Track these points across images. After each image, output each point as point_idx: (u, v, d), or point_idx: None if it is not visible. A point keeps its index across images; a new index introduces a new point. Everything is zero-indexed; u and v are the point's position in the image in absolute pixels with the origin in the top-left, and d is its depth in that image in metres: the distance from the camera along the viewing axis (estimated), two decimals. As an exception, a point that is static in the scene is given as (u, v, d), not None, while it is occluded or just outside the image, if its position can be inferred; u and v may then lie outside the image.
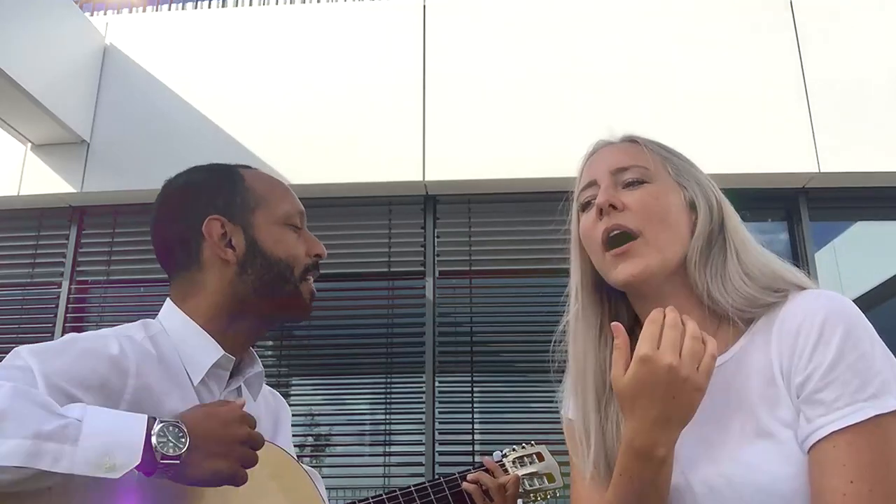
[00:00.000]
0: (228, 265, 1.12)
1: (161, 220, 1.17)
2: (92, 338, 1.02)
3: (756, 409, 0.89)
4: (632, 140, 1.05)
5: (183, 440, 0.89)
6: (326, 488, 1.24)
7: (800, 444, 0.86)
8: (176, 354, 1.09)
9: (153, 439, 0.87)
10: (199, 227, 1.12)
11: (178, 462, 0.88)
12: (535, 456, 1.46)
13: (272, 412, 1.27)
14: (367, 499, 1.29)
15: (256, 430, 0.97)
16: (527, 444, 1.50)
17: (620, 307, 1.04)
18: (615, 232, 0.97)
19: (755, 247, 0.99)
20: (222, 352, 1.11)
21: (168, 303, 1.15)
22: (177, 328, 1.11)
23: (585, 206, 1.03)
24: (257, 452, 0.97)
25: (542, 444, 1.51)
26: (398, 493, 1.37)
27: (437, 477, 1.40)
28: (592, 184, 1.02)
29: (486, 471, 1.43)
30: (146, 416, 0.89)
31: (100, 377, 0.97)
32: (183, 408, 1.03)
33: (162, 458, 0.87)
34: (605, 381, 0.99)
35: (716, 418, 0.92)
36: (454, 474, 1.42)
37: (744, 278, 0.95)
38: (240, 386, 1.18)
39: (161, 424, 0.89)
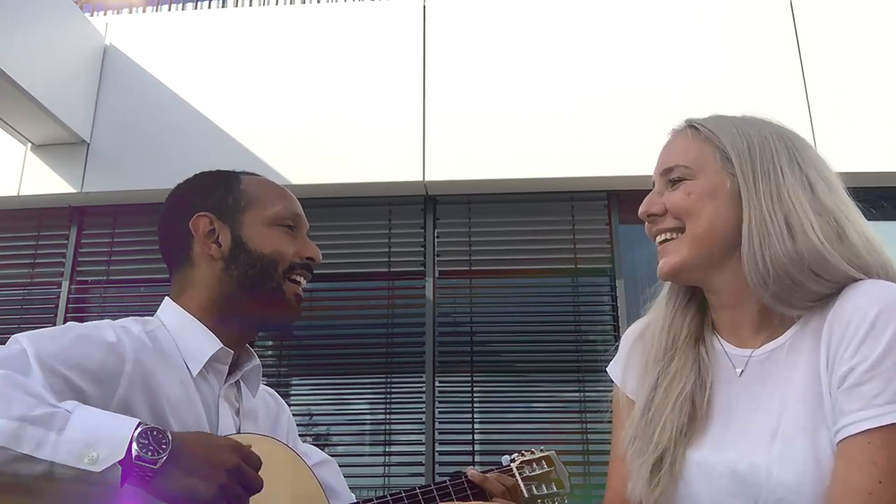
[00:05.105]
0: (215, 261, 1.14)
1: (162, 220, 1.22)
2: (89, 326, 1.04)
3: (797, 404, 0.88)
4: (690, 125, 1.05)
5: (165, 447, 0.86)
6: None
7: (833, 435, 0.83)
8: (175, 347, 1.11)
9: (133, 444, 0.84)
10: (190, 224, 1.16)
11: (153, 467, 0.84)
12: (543, 461, 1.42)
13: (272, 414, 1.27)
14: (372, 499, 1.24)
15: (256, 431, 0.95)
16: (535, 449, 1.47)
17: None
18: (659, 238, 1.00)
19: (824, 234, 0.91)
20: (220, 344, 1.12)
21: (166, 300, 1.19)
22: (174, 322, 1.14)
23: None
24: (258, 453, 0.95)
25: (551, 447, 1.47)
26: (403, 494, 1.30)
27: (443, 480, 1.33)
28: (654, 183, 1.04)
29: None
30: (137, 420, 0.88)
31: (96, 362, 0.98)
32: (183, 396, 1.05)
33: (137, 459, 0.84)
34: (674, 343, 1.01)
35: (755, 406, 0.91)
36: (460, 476, 1.32)
37: (793, 268, 0.89)
38: (238, 381, 1.19)
39: (144, 427, 0.86)
